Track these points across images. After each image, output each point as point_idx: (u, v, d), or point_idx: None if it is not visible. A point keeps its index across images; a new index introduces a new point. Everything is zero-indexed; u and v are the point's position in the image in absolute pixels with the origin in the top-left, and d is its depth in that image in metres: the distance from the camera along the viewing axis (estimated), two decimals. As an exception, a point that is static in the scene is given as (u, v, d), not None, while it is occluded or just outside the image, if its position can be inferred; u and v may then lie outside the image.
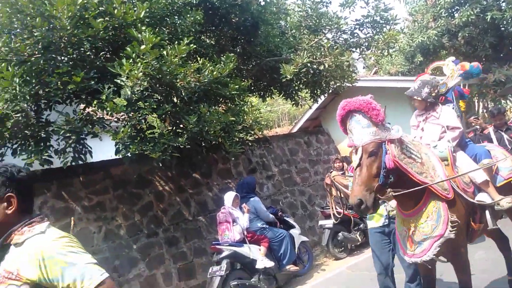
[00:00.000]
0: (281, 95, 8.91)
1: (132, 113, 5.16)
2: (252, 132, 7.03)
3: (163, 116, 5.65)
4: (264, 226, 6.14)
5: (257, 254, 5.75)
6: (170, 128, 5.98)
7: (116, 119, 5.75)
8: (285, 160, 8.94)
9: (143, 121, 5.29)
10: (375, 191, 2.54)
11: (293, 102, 8.82)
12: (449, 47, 13.83)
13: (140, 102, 5.25)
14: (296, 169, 9.02)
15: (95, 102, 5.29)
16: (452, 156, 3.14)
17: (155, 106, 5.29)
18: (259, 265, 5.66)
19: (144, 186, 6.60)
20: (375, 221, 4.05)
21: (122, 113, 5.29)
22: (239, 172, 7.98)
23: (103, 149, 5.93)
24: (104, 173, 6.28)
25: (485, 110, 14.19)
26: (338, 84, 8.24)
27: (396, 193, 2.67)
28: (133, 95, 4.97)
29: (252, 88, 8.44)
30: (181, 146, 5.55)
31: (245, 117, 6.71)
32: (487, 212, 3.05)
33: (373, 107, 2.61)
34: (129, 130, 5.05)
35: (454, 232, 2.72)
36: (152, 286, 6.07)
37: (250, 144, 7.38)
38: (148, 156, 5.22)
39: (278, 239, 6.10)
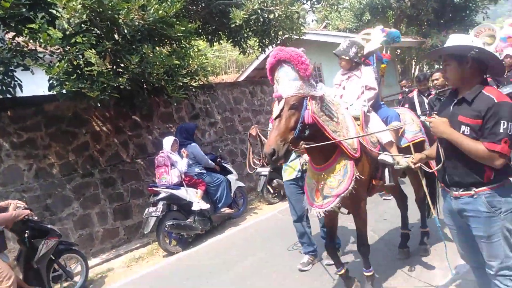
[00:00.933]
0: (229, 41, 8.75)
1: (68, 47, 4.87)
2: (197, 78, 6.94)
3: (103, 53, 5.39)
4: (202, 171, 6.29)
5: (194, 197, 5.94)
6: (110, 66, 5.74)
7: (50, 53, 5.36)
8: (229, 108, 8.99)
9: (80, 57, 5.01)
10: (289, 143, 2.68)
11: (240, 50, 8.73)
12: (396, 8, 14.22)
13: (77, 36, 4.95)
14: (239, 117, 9.14)
15: (26, 32, 4.88)
16: (364, 116, 3.35)
17: (94, 42, 5.01)
18: (195, 207, 5.88)
19: (80, 125, 6.38)
20: (288, 174, 4.32)
21: (57, 46, 4.95)
22: (181, 117, 7.94)
23: (35, 83, 5.57)
24: (36, 109, 5.93)
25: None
26: (286, 36, 8.25)
27: (308, 146, 2.83)
28: (70, 28, 4.67)
29: (200, 31, 8.18)
30: (121, 87, 5.38)
31: (190, 61, 6.58)
32: (386, 170, 3.33)
33: (302, 61, 2.66)
34: (65, 66, 4.79)
35: (356, 187, 2.99)
36: (86, 225, 6.10)
37: (194, 90, 7.30)
38: (85, 94, 5.02)
39: (215, 184, 6.31)
